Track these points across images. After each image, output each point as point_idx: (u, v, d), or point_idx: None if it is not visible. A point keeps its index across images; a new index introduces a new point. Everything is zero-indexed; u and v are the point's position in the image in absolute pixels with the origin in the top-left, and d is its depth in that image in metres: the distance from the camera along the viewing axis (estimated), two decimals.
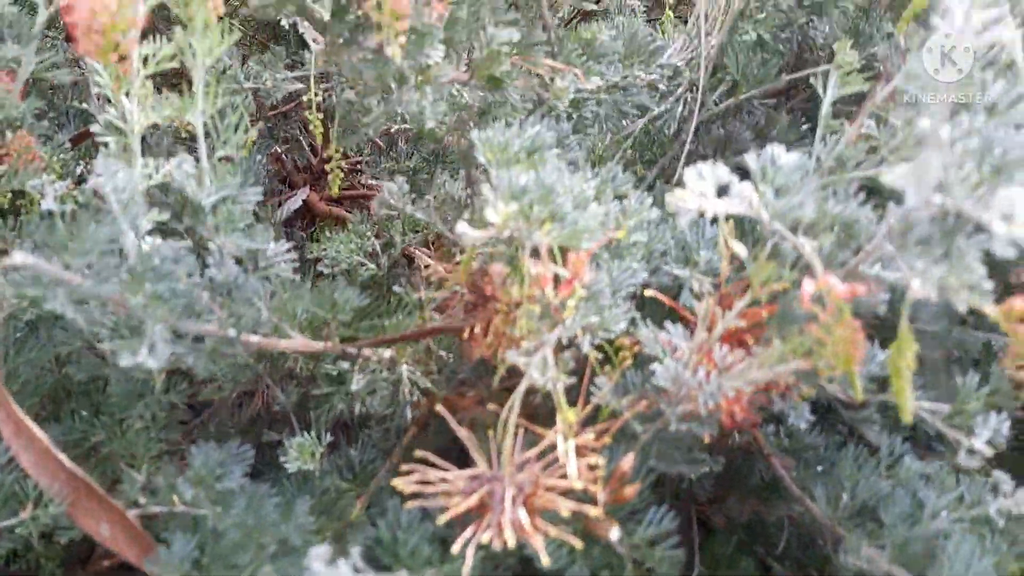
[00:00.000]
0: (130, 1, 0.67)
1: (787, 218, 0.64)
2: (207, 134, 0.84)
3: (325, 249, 1.34)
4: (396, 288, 1.11)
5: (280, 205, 1.91)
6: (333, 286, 0.92)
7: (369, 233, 1.37)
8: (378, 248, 1.39)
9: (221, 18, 0.78)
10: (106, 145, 0.75)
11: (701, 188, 0.61)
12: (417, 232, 1.41)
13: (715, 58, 1.04)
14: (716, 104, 1.05)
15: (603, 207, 0.81)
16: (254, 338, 0.88)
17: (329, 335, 0.94)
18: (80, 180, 1.07)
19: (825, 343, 0.59)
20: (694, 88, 1.04)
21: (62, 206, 0.76)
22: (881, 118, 0.82)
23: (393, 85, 0.75)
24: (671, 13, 1.34)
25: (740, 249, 0.62)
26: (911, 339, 0.57)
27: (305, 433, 0.94)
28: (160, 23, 1.05)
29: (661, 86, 1.03)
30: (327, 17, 0.73)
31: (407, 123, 0.84)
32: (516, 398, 0.68)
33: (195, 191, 0.83)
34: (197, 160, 0.84)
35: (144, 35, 0.73)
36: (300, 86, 1.10)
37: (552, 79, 0.89)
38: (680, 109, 1.03)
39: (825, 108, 0.84)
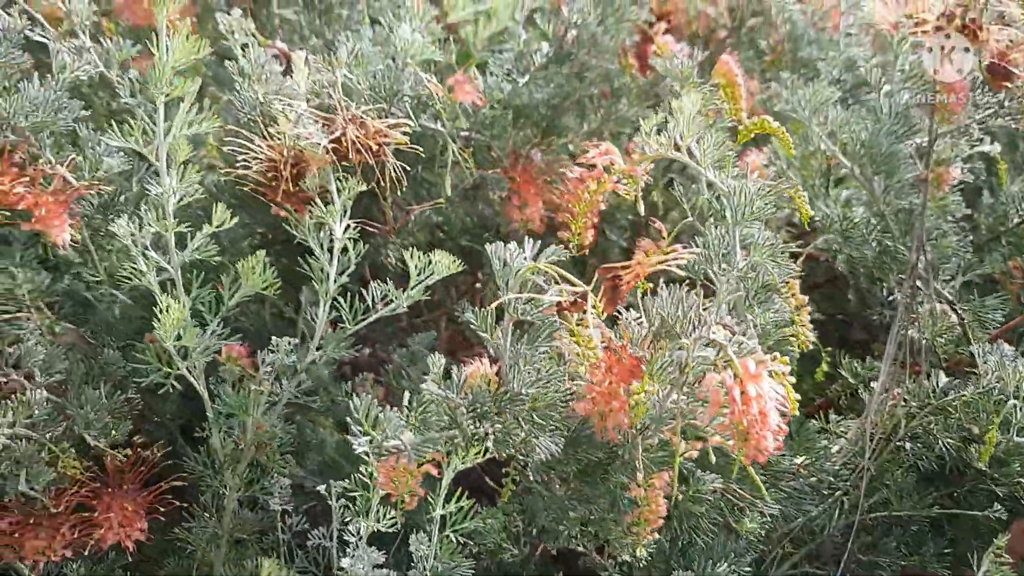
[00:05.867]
0: None
1: None
2: None
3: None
4: None
5: None
6: None
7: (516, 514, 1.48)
8: (521, 528, 1.52)
9: None
10: None
11: None
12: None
13: (873, 470, 1.17)
14: (870, 510, 1.18)
15: None
16: None
17: None
18: None
19: None
20: (849, 492, 1.17)
21: None
22: None
23: None
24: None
25: None
26: None
27: None
28: None
29: (824, 490, 1.16)
30: None
31: None
32: None
33: None
34: None
35: None
36: None
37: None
38: (836, 513, 1.16)
39: None
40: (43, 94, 1.00)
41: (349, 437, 1.36)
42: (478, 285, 1.70)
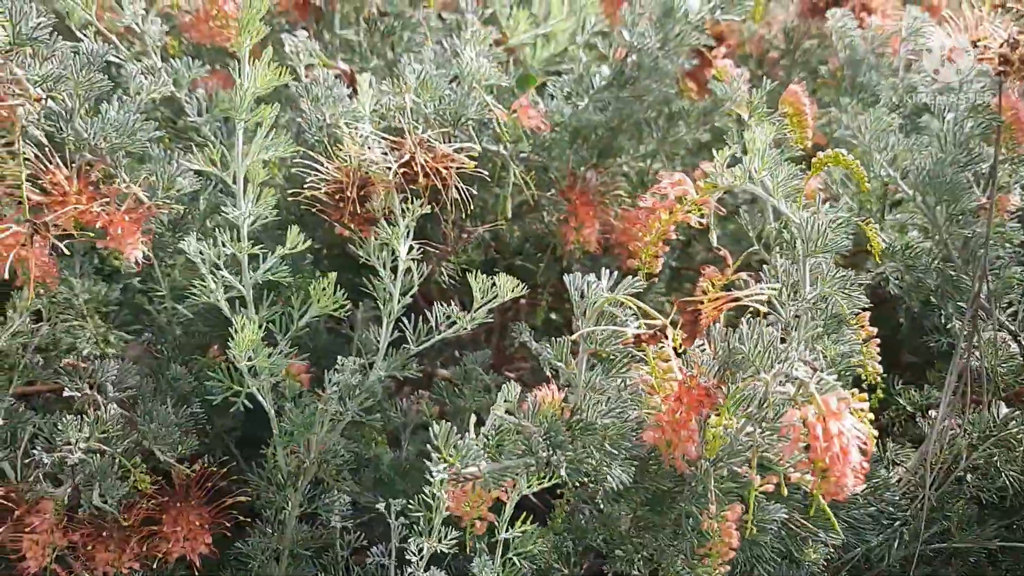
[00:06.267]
0: None
1: None
2: None
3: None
4: None
5: None
6: None
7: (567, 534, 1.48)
8: (570, 548, 1.51)
9: None
10: None
11: None
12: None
13: (934, 500, 1.17)
14: (929, 541, 1.17)
15: None
16: None
17: None
18: None
19: None
20: (909, 522, 1.16)
21: None
22: None
23: None
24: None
25: None
26: None
27: None
28: None
29: (884, 520, 1.15)
30: None
31: None
32: None
33: None
34: None
35: None
36: None
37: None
38: (896, 543, 1.15)
39: None
40: (122, 116, 1.02)
41: (403, 455, 1.40)
42: (522, 300, 1.71)
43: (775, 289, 0.85)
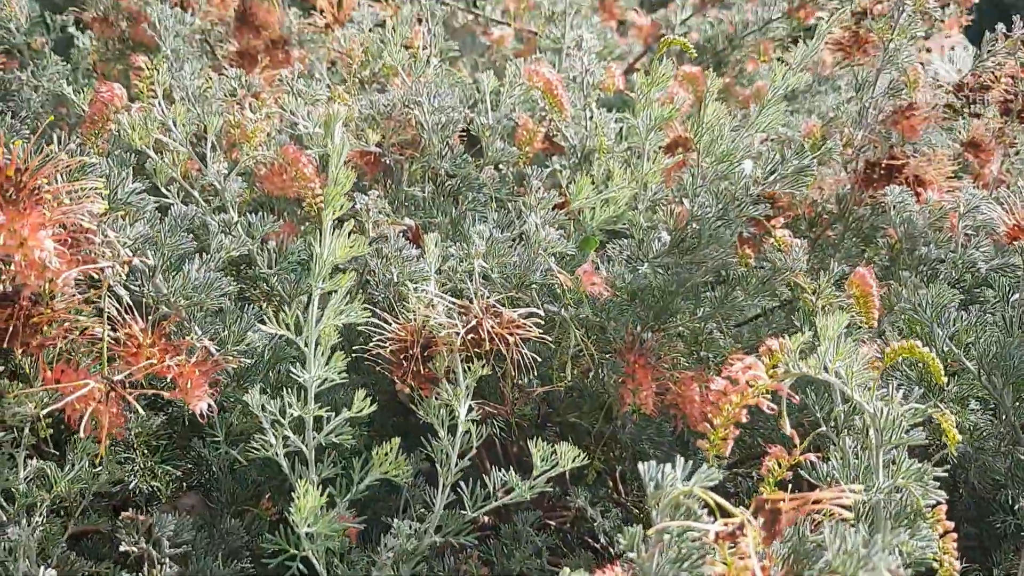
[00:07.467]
0: None
1: None
2: None
3: None
4: None
5: None
6: None
7: None
8: None
9: None
10: None
11: None
12: None
13: None
14: None
15: None
16: None
17: None
18: None
19: None
20: None
21: None
22: None
23: None
24: None
25: None
26: None
27: None
28: None
29: None
30: None
31: None
32: None
33: None
34: None
35: None
36: None
37: None
38: None
39: None
40: (203, 276, 1.06)
41: None
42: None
43: (857, 491, 0.84)
